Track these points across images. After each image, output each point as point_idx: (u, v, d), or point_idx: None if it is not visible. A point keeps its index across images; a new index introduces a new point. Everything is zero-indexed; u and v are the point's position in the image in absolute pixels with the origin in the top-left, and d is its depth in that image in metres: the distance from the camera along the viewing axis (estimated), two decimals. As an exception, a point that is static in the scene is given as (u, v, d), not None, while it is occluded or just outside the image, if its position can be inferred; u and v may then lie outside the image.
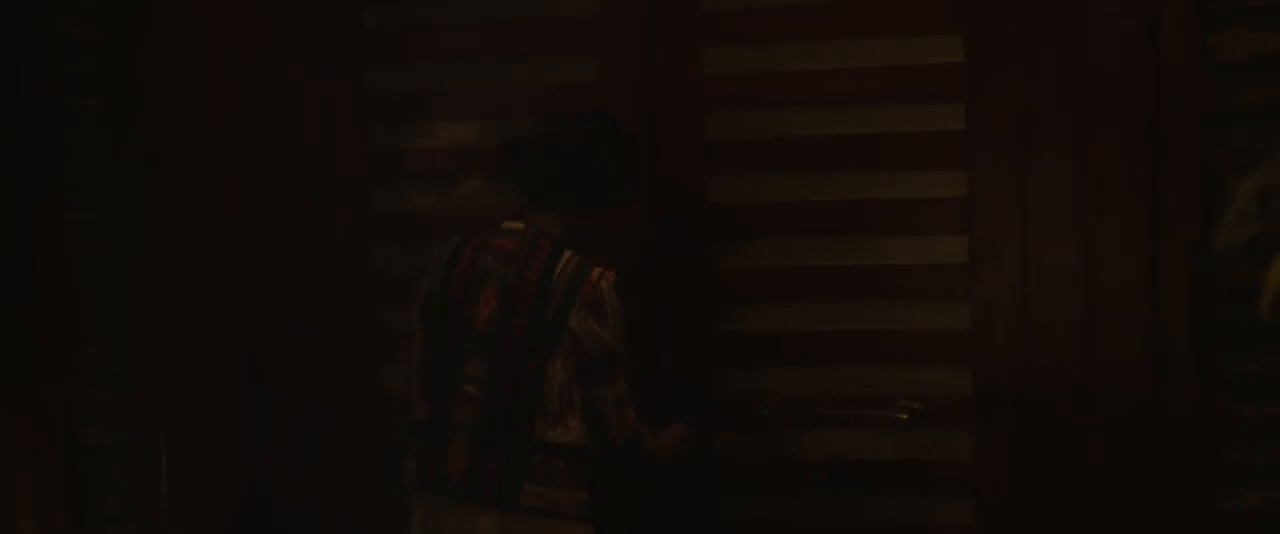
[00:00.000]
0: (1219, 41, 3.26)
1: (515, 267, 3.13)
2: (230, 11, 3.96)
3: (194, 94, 3.97)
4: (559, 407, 3.08)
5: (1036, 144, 3.38)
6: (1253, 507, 3.26)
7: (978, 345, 3.44)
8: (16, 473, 4.02)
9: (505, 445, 3.09)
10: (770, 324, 3.64)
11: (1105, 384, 3.34)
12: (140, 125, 4.00)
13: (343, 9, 3.89)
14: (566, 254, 3.13)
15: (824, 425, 3.59)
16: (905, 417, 3.47)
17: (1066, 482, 3.38)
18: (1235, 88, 3.24)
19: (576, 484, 3.12)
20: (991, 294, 3.43)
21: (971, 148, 3.45)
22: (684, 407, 3.54)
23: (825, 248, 3.59)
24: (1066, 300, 3.37)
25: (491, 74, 3.83)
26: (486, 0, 3.80)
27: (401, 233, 3.87)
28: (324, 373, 3.90)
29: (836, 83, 3.55)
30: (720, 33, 3.63)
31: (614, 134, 3.27)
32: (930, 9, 3.48)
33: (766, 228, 3.63)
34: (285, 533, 3.93)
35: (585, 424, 3.12)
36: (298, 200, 3.91)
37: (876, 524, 3.57)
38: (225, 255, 3.96)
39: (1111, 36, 3.32)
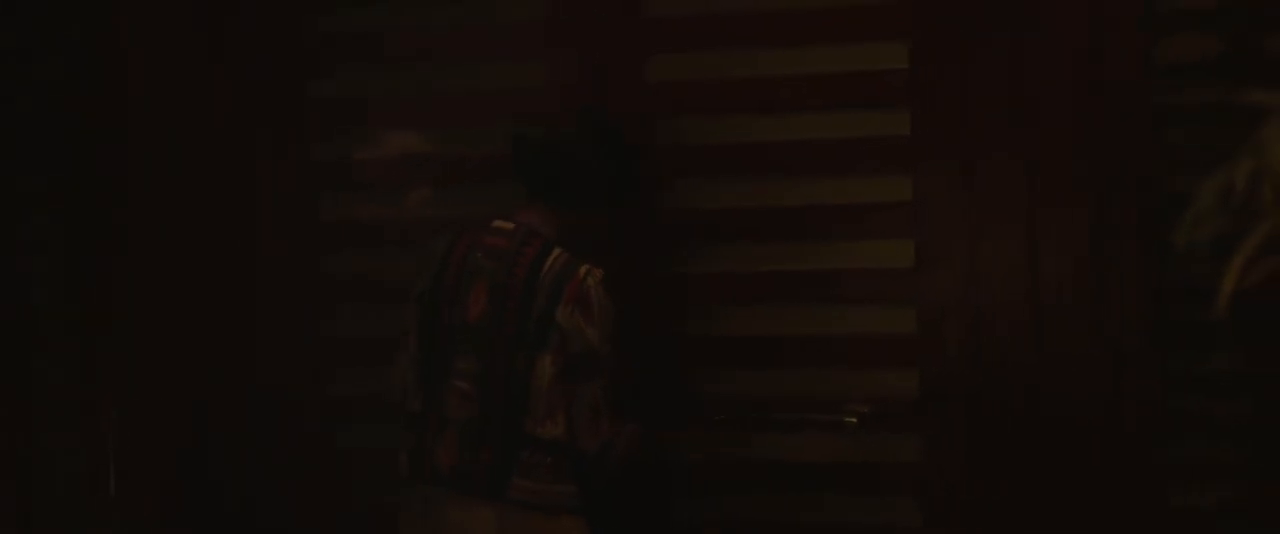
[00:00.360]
0: (1164, 45, 3.31)
1: (505, 263, 3.16)
2: (175, 23, 3.94)
3: (150, 104, 3.95)
4: (547, 402, 3.11)
5: (983, 148, 3.42)
6: (1204, 506, 3.32)
7: (926, 348, 3.48)
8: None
9: (495, 440, 3.12)
10: (719, 328, 3.66)
11: (1054, 385, 3.38)
12: (96, 133, 3.98)
13: (291, 19, 3.88)
14: (555, 251, 3.16)
15: (774, 428, 3.61)
16: (854, 419, 3.50)
17: (1016, 482, 3.42)
18: (1181, 91, 3.30)
19: (563, 478, 3.15)
20: (939, 297, 3.46)
21: (917, 153, 3.48)
22: (637, 408, 3.55)
23: (773, 252, 3.62)
24: (1014, 303, 3.41)
25: (437, 81, 3.83)
26: (433, 7, 3.80)
27: (348, 239, 3.88)
28: (281, 379, 3.90)
29: (783, 89, 3.58)
30: (667, 39, 3.65)
31: (617, 138, 3.30)
32: (876, 16, 3.51)
33: (714, 233, 3.66)
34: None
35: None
36: (248, 208, 3.90)
37: (827, 525, 3.60)
38: (181, 262, 3.94)
39: (1057, 42, 3.37)
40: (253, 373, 3.91)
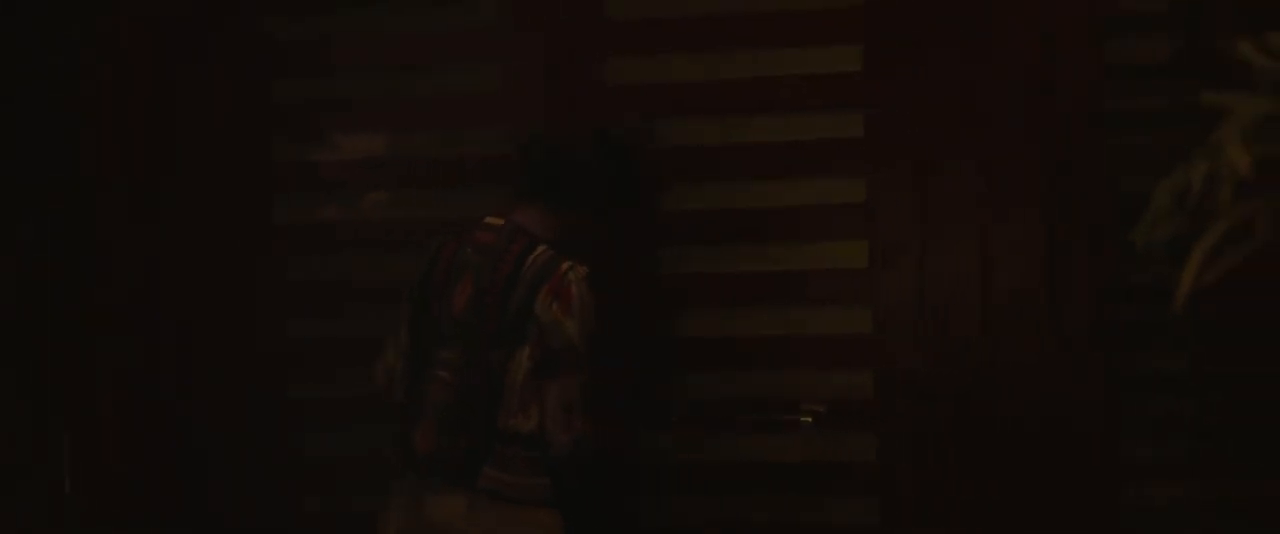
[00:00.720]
0: (1116, 48, 3.36)
1: (491, 259, 3.20)
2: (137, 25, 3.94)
3: (99, 105, 3.92)
4: (521, 396, 3.14)
5: (937, 150, 3.47)
6: (1156, 502, 3.37)
7: (881, 348, 3.52)
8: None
9: (470, 429, 3.16)
10: (679, 329, 3.69)
11: (1006, 384, 3.43)
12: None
13: (248, 20, 3.87)
14: (540, 247, 3.20)
15: (732, 428, 3.64)
16: (810, 419, 3.53)
17: (971, 480, 3.46)
18: (1132, 93, 3.35)
19: (537, 471, 3.18)
20: (893, 298, 3.50)
21: (872, 155, 3.52)
22: (613, 408, 3.56)
23: (728, 254, 3.65)
24: (968, 303, 3.45)
25: (395, 85, 3.84)
26: (390, 12, 3.82)
27: (304, 243, 3.88)
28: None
29: (739, 92, 3.62)
30: (624, 43, 3.68)
31: (618, 146, 3.34)
32: (830, 20, 3.55)
33: (669, 235, 3.68)
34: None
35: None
36: (198, 208, 3.89)
37: (784, 524, 3.63)
38: (144, 261, 3.93)
39: (1010, 45, 3.41)
40: (216, 374, 3.90)
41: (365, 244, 3.78)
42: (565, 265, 3.16)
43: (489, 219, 3.29)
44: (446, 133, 3.78)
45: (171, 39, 3.89)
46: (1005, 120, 3.42)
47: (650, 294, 3.68)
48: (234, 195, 3.88)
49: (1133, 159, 3.32)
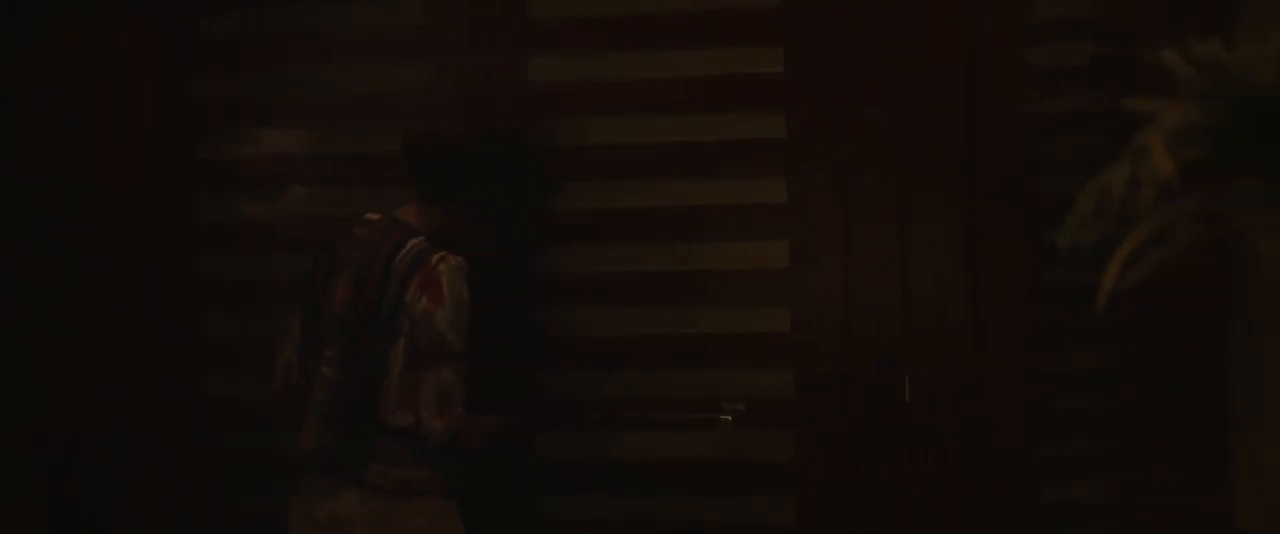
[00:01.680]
0: (1037, 53, 3.40)
1: (367, 253, 3.20)
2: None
3: (21, 103, 3.89)
4: (398, 390, 3.13)
5: (857, 152, 3.49)
6: (1075, 501, 3.41)
7: (800, 347, 3.54)
8: None
9: (350, 426, 3.17)
10: (596, 328, 3.69)
11: (925, 384, 3.45)
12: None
13: (175, 16, 3.84)
14: (414, 240, 3.18)
15: (650, 427, 3.65)
16: (729, 418, 3.55)
17: (888, 480, 3.48)
18: (1053, 97, 3.39)
19: (422, 464, 3.17)
20: (812, 298, 3.52)
21: (792, 156, 3.53)
22: (508, 404, 3.56)
23: (649, 253, 3.66)
24: (888, 303, 3.47)
25: (321, 83, 3.82)
26: (315, 10, 3.79)
27: (229, 240, 3.85)
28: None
29: (661, 91, 3.62)
30: (547, 41, 3.67)
31: (499, 144, 3.34)
32: (753, 20, 3.56)
33: (591, 233, 3.68)
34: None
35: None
36: (124, 206, 3.86)
37: (701, 523, 3.64)
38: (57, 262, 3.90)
39: (933, 47, 3.44)
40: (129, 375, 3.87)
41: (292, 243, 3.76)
42: (436, 257, 3.14)
43: (369, 214, 3.29)
44: (373, 131, 3.75)
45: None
46: (927, 122, 3.44)
47: (560, 293, 3.68)
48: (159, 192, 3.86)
49: (1053, 161, 3.36)
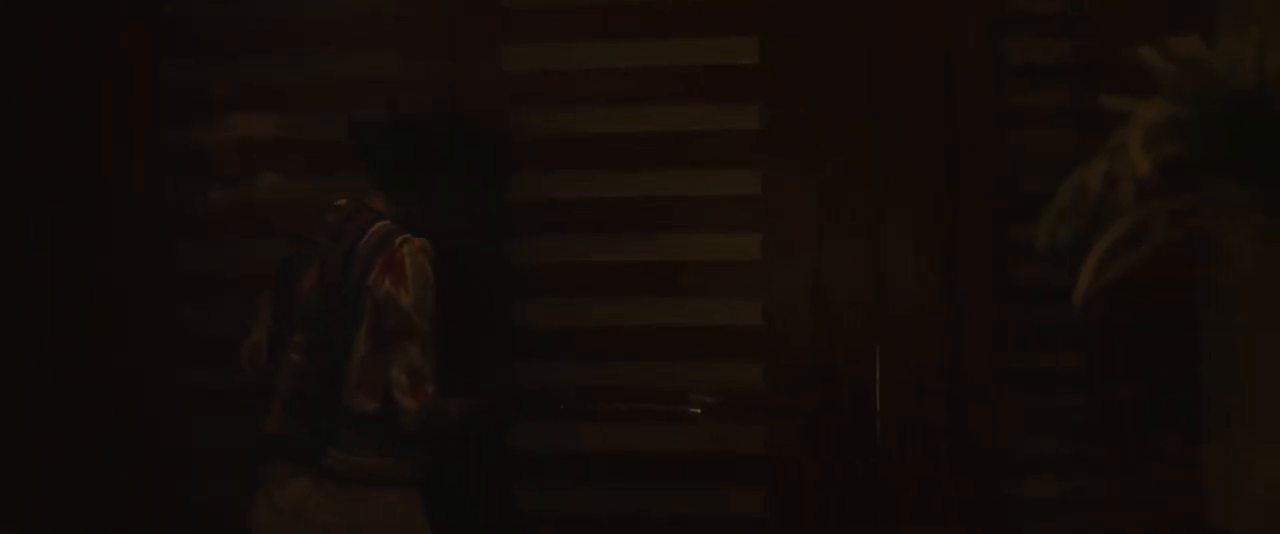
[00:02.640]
0: (1012, 48, 3.40)
1: (333, 237, 3.20)
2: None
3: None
4: (362, 375, 3.11)
5: (831, 145, 3.48)
6: (1041, 498, 3.41)
7: (771, 340, 3.53)
8: None
9: (314, 412, 3.16)
10: (567, 318, 3.67)
11: (896, 378, 3.45)
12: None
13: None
14: (378, 224, 3.17)
15: (620, 419, 3.63)
16: (699, 410, 3.53)
17: (858, 474, 3.48)
18: (1030, 93, 3.39)
19: (385, 451, 3.15)
20: (784, 291, 3.52)
21: (766, 147, 3.52)
22: (477, 394, 3.54)
23: (621, 244, 3.64)
24: (859, 297, 3.47)
25: (294, 69, 3.79)
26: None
27: (198, 227, 3.82)
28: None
29: (635, 81, 3.61)
30: (521, 30, 3.65)
31: (457, 131, 3.33)
32: (728, 11, 3.55)
33: (564, 223, 3.67)
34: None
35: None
36: (92, 197, 3.83)
37: (673, 515, 3.63)
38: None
39: (908, 41, 3.43)
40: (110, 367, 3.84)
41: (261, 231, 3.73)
42: (400, 239, 3.12)
43: (339, 201, 3.28)
44: (345, 117, 3.71)
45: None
46: (901, 115, 3.44)
47: (531, 283, 3.66)
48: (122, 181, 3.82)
49: (1029, 157, 3.35)
